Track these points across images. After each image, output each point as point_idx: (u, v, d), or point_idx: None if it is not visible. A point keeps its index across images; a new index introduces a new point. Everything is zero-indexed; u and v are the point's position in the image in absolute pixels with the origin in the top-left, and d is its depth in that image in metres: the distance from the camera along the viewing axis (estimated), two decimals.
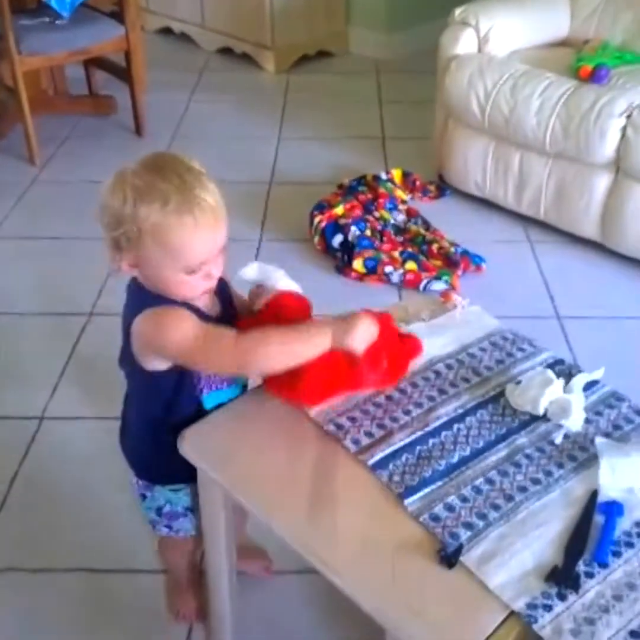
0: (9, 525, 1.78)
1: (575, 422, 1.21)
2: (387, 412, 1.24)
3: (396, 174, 3.07)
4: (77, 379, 2.19)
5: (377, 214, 2.79)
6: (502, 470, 1.14)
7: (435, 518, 1.06)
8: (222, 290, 1.26)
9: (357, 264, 2.55)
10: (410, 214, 2.86)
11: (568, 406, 1.21)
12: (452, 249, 2.61)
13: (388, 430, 1.20)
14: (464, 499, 1.09)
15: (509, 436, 1.20)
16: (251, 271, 1.31)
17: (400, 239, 2.72)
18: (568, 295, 2.51)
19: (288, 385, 1.21)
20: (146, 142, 3.43)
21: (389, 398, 1.27)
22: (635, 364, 2.13)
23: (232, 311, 1.28)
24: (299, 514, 1.10)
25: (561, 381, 1.25)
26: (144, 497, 1.37)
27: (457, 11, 2.90)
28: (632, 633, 0.94)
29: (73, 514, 1.81)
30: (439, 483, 1.12)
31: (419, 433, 1.20)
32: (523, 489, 1.11)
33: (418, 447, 1.17)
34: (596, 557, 1.02)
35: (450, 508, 1.08)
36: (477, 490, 1.11)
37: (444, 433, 1.20)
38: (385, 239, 2.68)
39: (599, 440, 1.18)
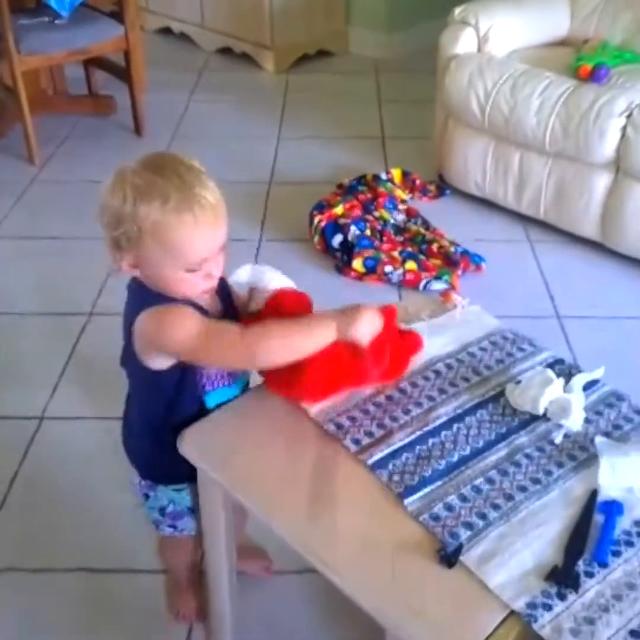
0: (9, 525, 1.78)
1: (575, 421, 1.21)
2: (387, 411, 1.24)
3: (396, 173, 3.07)
4: (77, 378, 2.19)
5: (376, 213, 2.79)
6: (502, 469, 1.14)
7: (435, 517, 1.06)
8: (223, 289, 1.26)
9: (357, 264, 2.55)
10: (410, 213, 2.86)
11: (568, 406, 1.21)
12: (452, 249, 2.61)
13: (388, 429, 1.20)
14: (464, 499, 1.09)
15: (508, 436, 1.20)
16: (243, 274, 1.30)
17: (400, 238, 2.72)
18: (568, 295, 2.51)
19: (290, 382, 1.21)
20: (146, 142, 3.43)
21: (389, 398, 1.27)
22: (635, 363, 2.13)
23: (233, 311, 1.28)
24: (298, 513, 1.10)
25: (561, 381, 1.25)
26: (147, 497, 1.37)
27: (457, 11, 2.90)
28: (632, 632, 0.94)
29: (73, 514, 1.81)
30: (439, 483, 1.12)
31: (418, 433, 1.20)
32: (523, 489, 1.11)
33: (418, 447, 1.17)
34: (596, 556, 1.02)
35: (450, 508, 1.08)
36: (477, 489, 1.11)
37: (443, 433, 1.20)
38: (385, 238, 2.68)
39: (599, 439, 1.18)
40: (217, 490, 1.23)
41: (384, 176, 3.01)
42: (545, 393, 1.22)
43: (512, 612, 0.96)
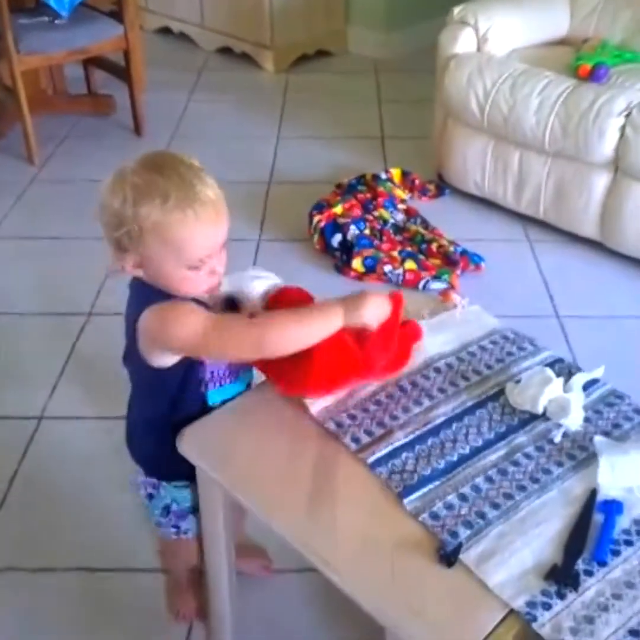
0: (8, 525, 1.78)
1: (574, 420, 1.21)
2: (387, 410, 1.24)
3: (395, 173, 3.07)
4: (77, 378, 2.19)
5: (376, 213, 2.79)
6: (501, 468, 1.14)
7: (435, 517, 1.07)
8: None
9: (356, 263, 2.55)
10: (410, 213, 2.86)
11: (567, 405, 1.21)
12: (451, 248, 2.61)
13: (388, 428, 1.20)
14: (464, 498, 1.09)
15: (508, 435, 1.20)
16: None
17: (399, 238, 2.72)
18: (567, 295, 2.51)
19: (294, 378, 1.20)
20: (145, 142, 3.43)
21: (389, 396, 1.27)
22: (635, 363, 2.13)
23: (236, 310, 1.28)
24: (298, 513, 1.10)
25: (561, 380, 1.25)
26: (151, 497, 1.37)
27: (456, 10, 2.90)
28: (632, 631, 0.94)
29: (73, 513, 1.81)
30: (439, 482, 1.12)
31: (418, 432, 1.20)
32: (522, 488, 1.11)
33: (418, 446, 1.18)
34: (595, 555, 1.02)
35: (449, 507, 1.08)
36: (477, 488, 1.11)
37: (443, 432, 1.20)
38: (384, 238, 2.68)
39: (598, 438, 1.18)
40: (216, 490, 1.23)
41: (383, 176, 3.01)
42: (545, 392, 1.22)
43: (512, 611, 0.96)
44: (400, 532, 1.06)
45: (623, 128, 2.45)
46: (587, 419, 1.22)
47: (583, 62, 2.68)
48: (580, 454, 1.17)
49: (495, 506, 1.08)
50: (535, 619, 0.94)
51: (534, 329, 1.45)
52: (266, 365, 1.23)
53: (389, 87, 3.99)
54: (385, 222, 2.76)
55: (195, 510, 1.35)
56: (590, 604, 0.96)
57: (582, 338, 2.30)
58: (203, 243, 1.12)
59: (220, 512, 1.27)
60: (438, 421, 1.22)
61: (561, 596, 0.97)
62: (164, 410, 1.24)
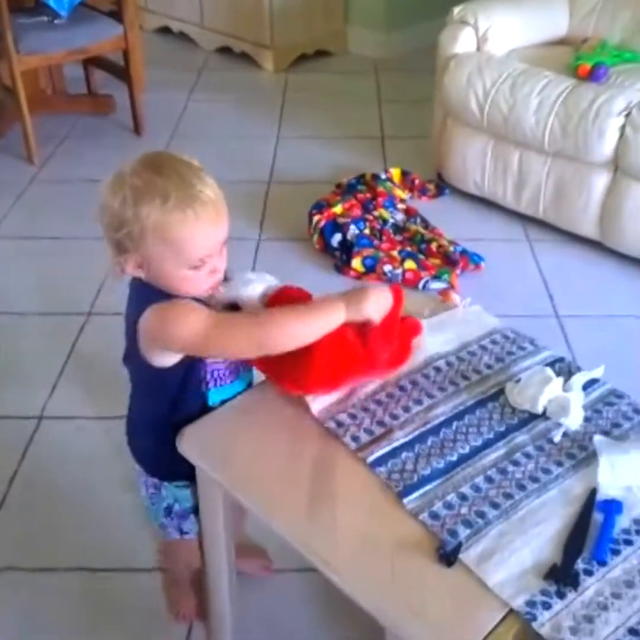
0: (8, 525, 1.78)
1: (574, 420, 1.21)
2: (387, 409, 1.24)
3: (395, 173, 3.07)
4: (76, 378, 2.19)
5: (376, 213, 2.79)
6: (501, 468, 1.14)
7: (435, 516, 1.07)
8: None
9: (356, 263, 2.55)
10: (409, 212, 2.86)
11: (567, 404, 1.21)
12: (451, 248, 2.61)
13: (388, 427, 1.20)
14: (463, 497, 1.09)
15: (508, 434, 1.20)
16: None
17: (399, 237, 2.72)
18: (567, 294, 2.51)
19: (295, 376, 1.20)
20: (145, 141, 3.43)
21: (389, 395, 1.27)
22: (634, 362, 2.13)
23: (236, 309, 1.28)
24: (298, 512, 1.10)
25: (560, 379, 1.25)
26: (152, 498, 1.37)
27: (456, 10, 2.90)
28: (631, 630, 0.94)
29: (73, 513, 1.81)
30: (438, 481, 1.12)
31: (418, 431, 1.20)
32: (522, 487, 1.11)
33: (417, 445, 1.18)
34: (595, 555, 1.02)
35: (449, 506, 1.08)
36: (476, 488, 1.11)
37: (443, 431, 1.20)
38: (384, 237, 2.68)
39: (598, 438, 1.18)
40: (216, 490, 1.23)
41: (383, 175, 3.01)
42: (545, 392, 1.22)
43: (512, 611, 0.96)
44: (400, 531, 1.06)
45: (623, 128, 2.46)
46: (586, 419, 1.22)
47: (582, 61, 2.68)
48: (580, 453, 1.17)
49: (495, 506, 1.08)
50: (534, 618, 0.94)
51: (533, 328, 1.45)
52: (266, 364, 1.23)
53: (388, 87, 3.99)
54: (385, 221, 2.76)
55: (196, 510, 1.35)
56: (589, 603, 0.96)
57: (581, 337, 2.30)
58: (203, 243, 1.12)
59: (220, 512, 1.27)
60: (438, 420, 1.22)
61: (561, 595, 0.97)
62: (164, 410, 1.24)
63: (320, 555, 1.04)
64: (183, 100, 3.86)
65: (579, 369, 1.33)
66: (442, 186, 3.06)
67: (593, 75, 2.60)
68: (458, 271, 2.54)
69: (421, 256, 2.60)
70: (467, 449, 1.17)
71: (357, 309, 1.16)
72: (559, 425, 1.21)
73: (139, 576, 1.68)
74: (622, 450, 1.15)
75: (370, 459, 1.15)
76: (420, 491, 1.10)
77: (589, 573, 1.00)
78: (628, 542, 1.04)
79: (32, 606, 1.62)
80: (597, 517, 1.06)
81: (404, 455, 1.16)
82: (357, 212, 2.74)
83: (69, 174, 3.19)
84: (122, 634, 1.58)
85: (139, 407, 1.33)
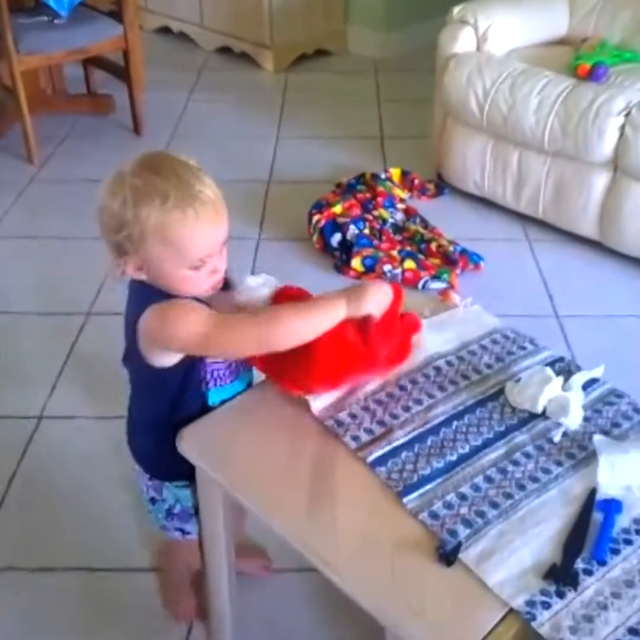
0: (8, 525, 1.78)
1: (573, 419, 1.21)
2: (387, 409, 1.24)
3: (395, 172, 3.07)
4: (76, 378, 2.19)
5: (375, 212, 2.79)
6: (501, 468, 1.14)
7: (434, 516, 1.07)
8: (226, 288, 1.26)
9: (356, 263, 2.55)
10: (409, 212, 2.86)
11: (567, 404, 1.21)
12: (451, 248, 2.61)
13: (388, 427, 1.20)
14: (463, 497, 1.09)
15: (508, 434, 1.20)
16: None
17: (398, 237, 2.72)
18: (567, 294, 2.51)
19: (296, 375, 1.20)
20: (145, 141, 3.43)
21: (389, 395, 1.27)
22: (634, 362, 2.13)
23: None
24: (298, 512, 1.10)
25: (560, 379, 1.25)
26: (154, 500, 1.36)
27: (456, 10, 2.90)
28: (631, 630, 0.94)
29: (72, 513, 1.81)
30: (438, 481, 1.12)
31: (418, 430, 1.20)
32: (522, 487, 1.11)
33: (417, 445, 1.18)
34: (595, 554, 1.02)
35: (449, 506, 1.08)
36: (476, 488, 1.11)
37: (443, 431, 1.20)
38: (383, 237, 2.68)
39: (598, 437, 1.18)
40: (216, 490, 1.23)
41: (382, 175, 3.01)
42: (545, 391, 1.22)
43: (511, 610, 0.96)
44: (400, 531, 1.06)
45: (622, 127, 2.46)
46: (586, 418, 1.22)
47: (582, 61, 2.68)
48: (580, 453, 1.17)
49: (495, 505, 1.08)
50: (534, 618, 0.94)
51: (533, 328, 1.45)
52: (267, 364, 1.23)
53: (388, 87, 3.99)
54: (384, 221, 2.76)
55: (196, 510, 1.35)
56: (589, 603, 0.96)
57: (581, 337, 2.30)
58: (203, 243, 1.12)
59: (220, 512, 1.27)
60: (438, 420, 1.22)
61: (560, 595, 0.97)
62: (164, 410, 1.24)
63: (320, 555, 1.04)
64: (183, 100, 3.86)
65: (578, 369, 1.33)
66: (441, 186, 3.06)
67: (593, 75, 2.60)
68: (458, 271, 2.54)
69: (421, 256, 2.60)
70: (467, 449, 1.17)
71: (357, 305, 1.17)
72: (559, 425, 1.21)
73: (138, 576, 1.68)
74: (621, 450, 1.15)
75: (370, 458, 1.15)
76: (420, 491, 1.10)
77: (588, 573, 1.00)
78: (628, 542, 1.04)
79: (31, 606, 1.62)
80: (597, 516, 1.06)
81: (403, 454, 1.16)
82: (356, 211, 2.74)
83: (68, 173, 3.19)
84: (121, 633, 1.58)
85: (139, 407, 1.33)
